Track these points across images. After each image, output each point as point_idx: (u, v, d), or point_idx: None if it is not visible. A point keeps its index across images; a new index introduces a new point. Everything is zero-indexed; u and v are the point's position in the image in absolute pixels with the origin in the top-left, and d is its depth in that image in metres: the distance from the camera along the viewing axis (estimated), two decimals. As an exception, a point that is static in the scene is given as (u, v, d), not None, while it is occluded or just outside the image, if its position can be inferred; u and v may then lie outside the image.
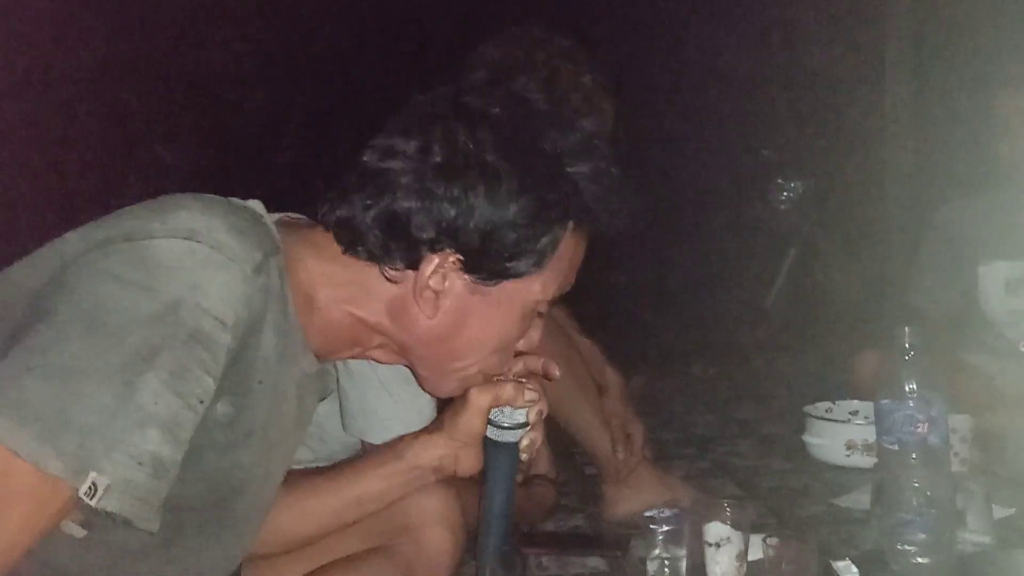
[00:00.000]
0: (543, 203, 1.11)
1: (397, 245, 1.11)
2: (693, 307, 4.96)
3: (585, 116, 1.17)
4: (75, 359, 0.92)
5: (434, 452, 1.28)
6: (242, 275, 1.00)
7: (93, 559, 1.02)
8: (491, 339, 1.17)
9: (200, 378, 0.97)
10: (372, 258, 1.13)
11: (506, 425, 1.23)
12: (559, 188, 1.12)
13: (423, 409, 1.41)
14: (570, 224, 1.15)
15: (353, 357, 1.25)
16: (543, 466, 2.14)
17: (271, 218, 1.13)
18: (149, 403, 0.93)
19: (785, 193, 4.73)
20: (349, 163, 1.14)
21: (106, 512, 0.92)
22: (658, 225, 5.20)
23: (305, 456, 1.43)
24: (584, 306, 2.35)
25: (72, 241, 1.03)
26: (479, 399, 1.22)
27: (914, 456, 1.58)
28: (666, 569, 1.55)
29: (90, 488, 0.90)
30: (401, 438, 1.32)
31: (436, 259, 1.11)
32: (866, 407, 2.51)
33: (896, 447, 1.60)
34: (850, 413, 2.63)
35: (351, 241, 1.13)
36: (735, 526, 1.60)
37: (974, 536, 1.68)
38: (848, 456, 2.45)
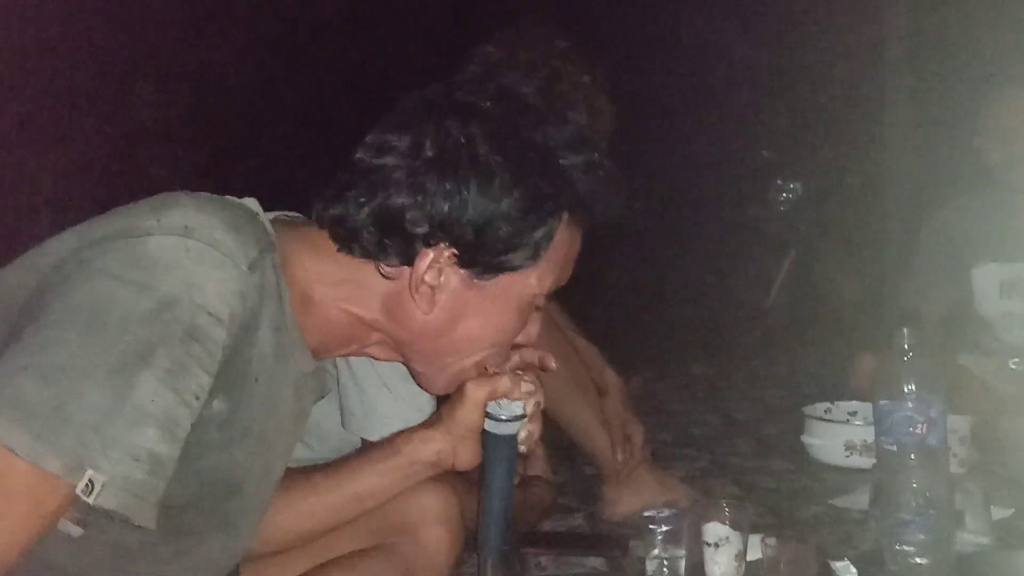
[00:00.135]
0: (536, 195, 1.11)
1: (392, 241, 1.11)
2: (692, 307, 4.97)
3: (579, 111, 1.17)
4: (72, 357, 0.92)
5: (432, 446, 1.28)
6: (237, 272, 1.00)
7: (90, 558, 1.02)
8: (488, 333, 1.17)
9: (196, 375, 0.97)
10: (367, 255, 1.13)
11: (503, 417, 1.23)
12: (552, 180, 1.12)
13: (423, 407, 1.41)
14: (564, 216, 1.15)
15: (350, 354, 1.25)
16: (539, 467, 2.15)
17: (267, 216, 1.14)
18: (146, 401, 0.93)
19: (784, 194, 4.73)
20: (343, 161, 1.14)
21: (103, 509, 0.92)
22: (657, 225, 5.22)
23: (304, 455, 1.43)
24: (583, 306, 2.35)
25: (68, 240, 1.04)
26: (476, 392, 1.22)
27: (913, 457, 1.59)
28: (665, 569, 1.55)
29: (87, 485, 0.90)
30: (398, 433, 1.31)
31: (431, 254, 1.11)
32: (865, 408, 2.51)
33: (895, 448, 1.60)
34: (849, 414, 2.63)
35: (346, 238, 1.13)
36: (734, 526, 1.60)
37: (973, 537, 1.68)
38: (847, 457, 2.45)
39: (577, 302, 2.24)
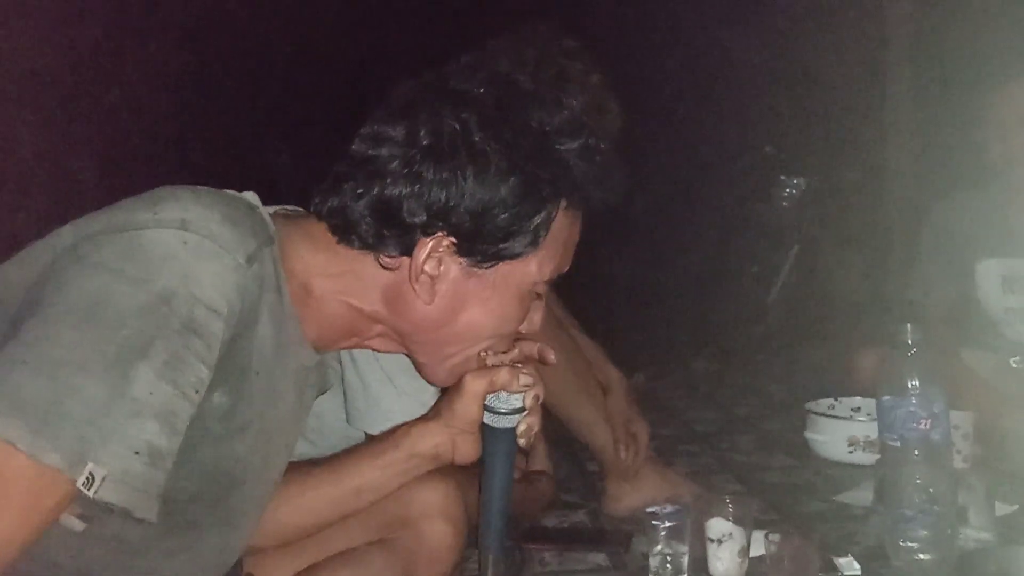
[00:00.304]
0: (533, 181, 1.11)
1: (390, 232, 1.11)
2: (695, 303, 4.96)
3: (575, 97, 1.16)
4: (69, 351, 0.92)
5: (431, 440, 1.27)
6: (235, 264, 1.00)
7: (92, 553, 1.02)
8: (490, 322, 1.17)
9: (195, 367, 0.97)
10: (366, 246, 1.13)
11: (502, 411, 1.22)
12: (548, 166, 1.12)
13: (427, 401, 1.41)
14: (562, 202, 1.15)
15: (351, 347, 1.25)
16: (540, 461, 2.15)
17: (266, 210, 1.13)
18: (144, 393, 0.93)
19: (787, 190, 4.72)
20: (340, 153, 1.14)
21: (104, 503, 0.92)
22: (660, 221, 5.22)
23: (306, 449, 1.43)
24: (585, 303, 2.35)
25: (66, 234, 1.03)
26: (474, 385, 1.21)
27: (916, 452, 1.59)
28: (668, 565, 1.55)
29: (88, 479, 0.90)
30: (397, 427, 1.31)
31: (430, 243, 1.11)
32: (868, 404, 2.51)
33: (898, 443, 1.60)
34: (852, 410, 2.63)
35: (344, 230, 1.12)
36: (737, 522, 1.60)
37: (976, 532, 1.68)
38: (850, 452, 2.45)
39: (579, 298, 2.24)
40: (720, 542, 1.60)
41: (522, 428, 1.24)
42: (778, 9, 4.86)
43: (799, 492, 2.33)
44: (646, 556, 1.59)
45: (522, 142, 1.11)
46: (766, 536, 1.53)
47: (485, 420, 1.24)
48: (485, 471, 1.26)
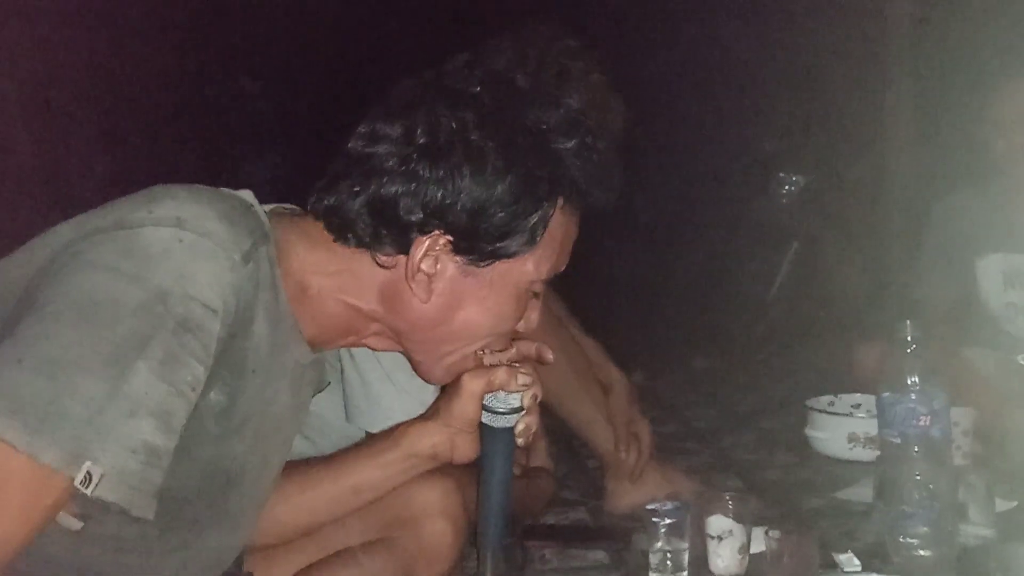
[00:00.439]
0: (530, 180, 1.11)
1: (387, 230, 1.11)
2: (694, 301, 4.96)
3: (573, 96, 1.16)
4: (65, 350, 0.92)
5: (429, 439, 1.27)
6: (230, 263, 1.00)
7: (91, 552, 1.02)
8: (487, 321, 1.17)
9: (190, 366, 0.97)
10: (363, 244, 1.13)
11: (501, 410, 1.22)
12: (545, 164, 1.12)
13: (427, 400, 1.41)
14: (560, 201, 1.14)
15: (348, 345, 1.25)
16: (540, 458, 2.14)
17: (263, 208, 1.13)
18: (140, 392, 0.93)
19: (787, 187, 4.72)
20: (336, 151, 1.14)
21: (101, 501, 0.92)
22: (659, 218, 5.21)
23: (305, 448, 1.43)
24: (585, 300, 2.35)
25: (62, 232, 1.04)
26: (472, 385, 1.21)
27: (916, 449, 1.58)
28: (668, 562, 1.55)
29: (85, 477, 0.91)
30: (396, 426, 1.31)
31: (426, 242, 1.11)
32: (869, 400, 2.51)
33: (898, 440, 1.60)
34: (852, 406, 2.63)
35: (341, 228, 1.12)
36: (737, 519, 1.60)
37: (976, 529, 1.68)
38: (850, 449, 2.45)
39: (579, 296, 2.24)
40: (720, 539, 1.61)
41: (520, 427, 1.24)
42: (778, 6, 4.85)
43: (799, 489, 2.33)
44: (646, 553, 1.59)
45: (519, 141, 1.11)
46: (766, 533, 1.53)
47: (483, 419, 1.24)
48: (484, 470, 1.26)
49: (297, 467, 1.30)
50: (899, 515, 1.59)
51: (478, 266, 1.13)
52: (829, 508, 2.16)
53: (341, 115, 1.23)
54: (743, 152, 5.11)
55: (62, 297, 0.96)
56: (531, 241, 1.13)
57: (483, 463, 1.26)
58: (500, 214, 1.10)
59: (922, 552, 1.57)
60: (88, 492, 0.91)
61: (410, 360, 1.23)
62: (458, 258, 1.12)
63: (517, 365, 1.23)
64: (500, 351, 1.23)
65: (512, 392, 1.22)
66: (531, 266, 1.15)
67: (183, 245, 0.98)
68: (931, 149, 4.14)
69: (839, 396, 2.68)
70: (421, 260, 1.11)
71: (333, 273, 1.14)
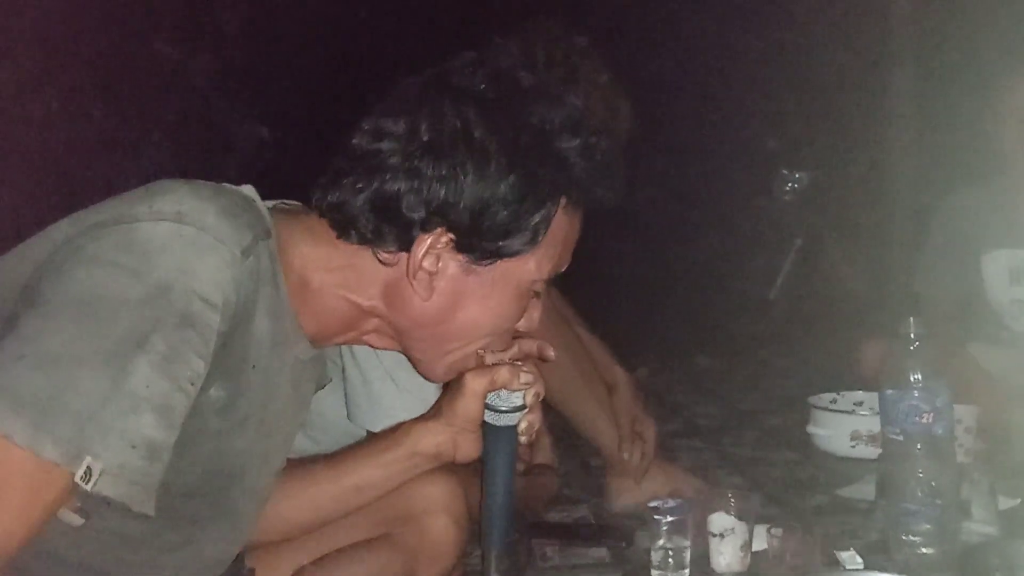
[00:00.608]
0: (533, 179, 1.10)
1: (389, 227, 1.11)
2: (697, 298, 4.96)
3: (578, 95, 1.16)
4: (66, 345, 0.93)
5: (432, 439, 1.27)
6: (231, 257, 1.00)
7: (92, 548, 1.03)
8: (488, 319, 1.17)
9: (191, 361, 0.97)
10: (365, 241, 1.12)
11: (503, 408, 1.22)
12: (549, 164, 1.11)
13: (429, 399, 1.41)
14: (562, 200, 1.14)
15: (348, 342, 1.24)
16: (544, 455, 2.15)
17: (265, 204, 1.13)
18: (141, 387, 0.93)
19: (790, 184, 4.71)
20: (340, 147, 1.14)
21: (102, 497, 0.93)
22: (662, 216, 5.21)
23: (307, 446, 1.43)
24: (587, 298, 2.35)
25: (63, 227, 1.03)
26: (475, 383, 1.21)
27: (919, 447, 1.58)
28: (670, 559, 1.55)
29: (85, 473, 0.91)
30: (399, 425, 1.31)
31: (428, 240, 1.11)
32: (871, 398, 2.51)
33: (901, 438, 1.59)
34: (855, 404, 2.62)
35: (344, 225, 1.12)
36: (739, 517, 1.60)
37: (979, 527, 1.68)
38: (853, 447, 2.45)
39: (582, 294, 2.24)
40: (722, 537, 1.60)
41: (523, 426, 1.24)
42: (780, 4, 4.85)
43: (801, 487, 2.33)
44: (648, 551, 1.59)
45: (523, 139, 1.10)
46: (768, 531, 1.53)
47: (486, 418, 1.24)
48: (487, 469, 1.26)
49: (300, 465, 1.30)
50: (902, 513, 1.58)
51: (480, 265, 1.13)
52: (831, 506, 2.16)
53: (345, 112, 1.23)
54: (746, 150, 5.11)
55: (62, 293, 0.96)
56: (533, 240, 1.13)
57: (486, 461, 1.26)
58: (503, 213, 1.10)
59: (925, 550, 1.57)
60: (89, 488, 0.91)
61: (410, 358, 1.23)
62: (460, 256, 1.12)
63: (519, 363, 1.23)
64: (501, 350, 1.22)
65: (515, 390, 1.22)
66: (533, 265, 1.15)
67: (183, 240, 0.98)
68: (933, 146, 4.13)
69: (841, 393, 2.68)
70: (423, 258, 1.11)
71: (335, 269, 1.14)
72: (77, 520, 0.98)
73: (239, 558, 1.25)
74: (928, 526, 1.56)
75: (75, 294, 0.95)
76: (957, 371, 1.98)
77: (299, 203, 1.20)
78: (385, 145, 1.10)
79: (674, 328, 4.65)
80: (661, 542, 1.56)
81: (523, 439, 1.25)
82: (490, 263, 1.13)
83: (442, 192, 1.08)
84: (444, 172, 1.08)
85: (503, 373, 1.20)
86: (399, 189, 1.09)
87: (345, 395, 1.51)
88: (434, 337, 1.17)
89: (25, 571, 0.95)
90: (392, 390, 1.46)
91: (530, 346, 1.26)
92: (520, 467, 1.92)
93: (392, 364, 1.46)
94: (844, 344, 2.83)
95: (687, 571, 1.56)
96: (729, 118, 5.16)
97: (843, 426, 2.48)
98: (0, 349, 0.94)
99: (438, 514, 1.38)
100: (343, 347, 1.46)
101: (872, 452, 2.34)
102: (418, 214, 1.09)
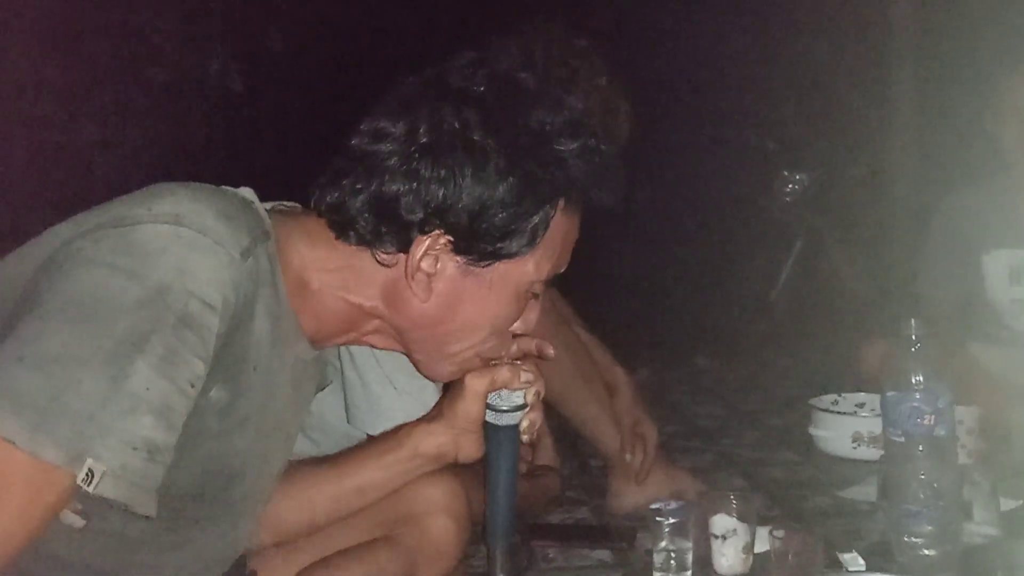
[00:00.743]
0: (532, 181, 1.10)
1: (388, 228, 1.11)
2: (698, 299, 4.96)
3: (577, 97, 1.16)
4: (65, 347, 0.93)
5: (434, 440, 1.27)
6: (229, 259, 1.00)
7: (93, 549, 1.03)
8: (486, 321, 1.17)
9: (190, 362, 0.97)
10: (363, 242, 1.12)
11: (504, 408, 1.22)
12: (547, 166, 1.11)
13: (428, 401, 1.41)
14: (561, 202, 1.14)
15: (348, 343, 1.24)
16: (546, 456, 2.14)
17: (263, 205, 1.13)
18: (141, 389, 0.93)
19: (790, 185, 4.71)
20: (339, 148, 1.14)
21: (103, 499, 0.93)
22: (662, 217, 5.21)
23: (308, 448, 1.43)
24: (588, 298, 2.35)
25: (62, 230, 1.04)
26: (475, 384, 1.21)
27: (921, 448, 1.58)
28: (672, 561, 1.55)
29: (87, 475, 0.91)
30: (400, 427, 1.31)
31: (427, 241, 1.11)
32: (873, 399, 2.51)
33: (902, 439, 1.59)
34: (856, 405, 2.62)
35: (342, 226, 1.12)
36: (741, 518, 1.60)
37: (981, 528, 1.68)
38: (854, 448, 2.45)
39: (582, 295, 2.23)
40: (724, 538, 1.60)
41: (525, 424, 1.24)
42: (781, 3, 4.85)
43: (803, 488, 2.33)
44: (650, 552, 1.59)
45: (521, 141, 1.10)
46: (770, 532, 1.52)
47: (487, 418, 1.24)
48: (490, 469, 1.26)
49: (301, 467, 1.30)
50: (903, 514, 1.58)
51: (478, 266, 1.13)
52: (833, 507, 2.16)
53: (344, 113, 1.23)
54: (746, 150, 5.11)
55: (62, 295, 0.96)
56: (532, 242, 1.13)
57: (489, 461, 1.26)
58: (501, 214, 1.10)
59: (927, 551, 1.57)
60: (90, 489, 0.91)
61: (411, 359, 1.23)
62: (458, 258, 1.12)
63: (519, 362, 1.23)
64: (501, 350, 1.22)
65: (515, 389, 1.22)
66: (531, 267, 1.15)
67: (181, 241, 0.98)
68: (933, 146, 4.13)
69: (843, 395, 2.68)
70: (421, 259, 1.11)
71: (334, 270, 1.14)
72: (78, 521, 0.98)
73: (241, 560, 1.24)
74: (930, 527, 1.56)
75: (74, 296, 0.95)
76: (958, 372, 1.98)
77: (298, 204, 1.20)
78: (384, 146, 1.10)
79: (674, 329, 4.64)
80: (663, 544, 1.56)
81: (525, 438, 1.25)
82: (488, 264, 1.13)
83: (440, 193, 1.09)
84: (442, 173, 1.08)
85: (503, 373, 1.21)
86: (398, 190, 1.09)
87: (344, 398, 1.51)
88: (433, 338, 1.17)
89: (25, 573, 0.95)
90: (391, 393, 1.46)
91: (529, 344, 1.26)
92: (522, 468, 1.92)
93: (391, 367, 1.45)
94: (845, 345, 2.83)
95: (689, 573, 1.56)
96: (729, 119, 5.16)
97: (844, 427, 2.48)
98: (0, 351, 0.93)
99: (439, 515, 1.38)
100: (341, 350, 1.46)
101: (874, 453, 2.34)
102: (416, 215, 1.09)
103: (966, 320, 2.60)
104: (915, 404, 1.58)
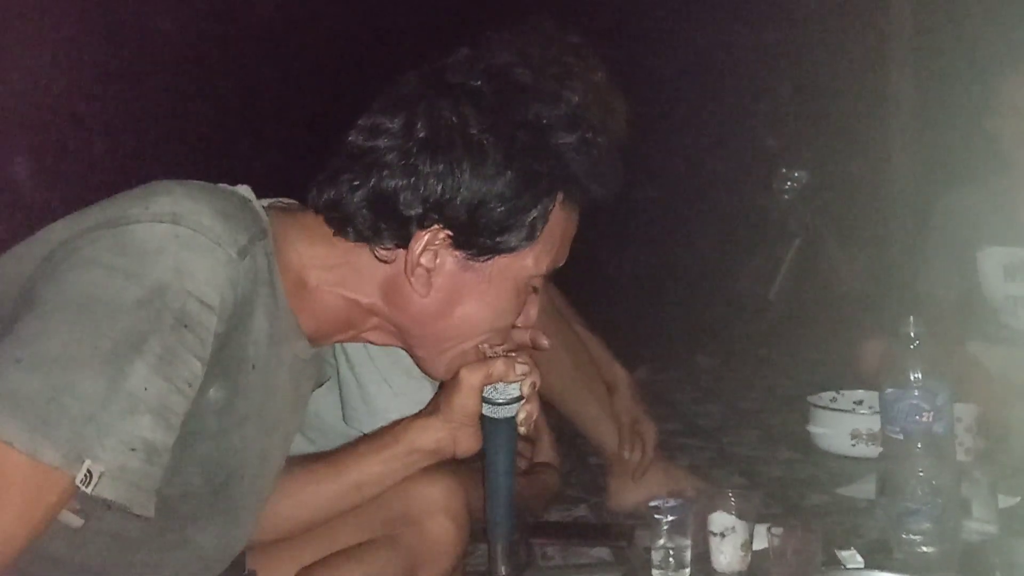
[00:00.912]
0: (530, 175, 1.10)
1: (386, 224, 1.11)
2: (697, 297, 4.96)
3: (574, 91, 1.16)
4: (63, 348, 0.92)
5: (431, 435, 1.27)
6: (226, 258, 1.00)
7: (91, 549, 1.02)
8: (486, 316, 1.17)
9: (188, 362, 0.97)
10: (362, 238, 1.12)
11: (500, 401, 1.22)
12: (546, 159, 1.11)
13: (423, 401, 1.41)
14: (559, 196, 1.14)
15: (348, 340, 1.24)
16: (546, 454, 2.14)
17: (261, 203, 1.13)
18: (139, 389, 0.93)
19: (789, 183, 4.72)
20: (337, 145, 1.14)
21: (102, 499, 0.92)
22: (661, 215, 5.21)
23: (306, 448, 1.43)
24: (587, 297, 2.35)
25: (59, 230, 1.03)
26: (471, 378, 1.21)
27: (919, 445, 1.58)
28: (671, 559, 1.55)
29: (86, 476, 0.90)
30: (398, 422, 1.31)
31: (426, 236, 1.11)
32: (871, 396, 2.51)
33: (901, 436, 1.60)
34: (855, 403, 2.63)
35: (341, 222, 1.12)
36: (740, 516, 1.60)
37: (979, 525, 1.68)
38: (853, 446, 2.45)
39: (581, 292, 2.24)
40: (723, 536, 1.60)
41: (522, 416, 1.23)
42: (780, 3, 4.85)
43: (802, 486, 2.33)
44: (649, 550, 1.59)
45: (519, 135, 1.10)
46: (769, 530, 1.53)
47: (484, 412, 1.23)
48: (488, 462, 1.26)
49: (299, 463, 1.30)
50: (902, 511, 1.58)
51: (477, 261, 1.13)
52: (832, 504, 2.16)
53: (342, 110, 1.23)
54: (745, 148, 5.11)
55: (59, 295, 0.96)
56: (531, 236, 1.13)
57: (487, 455, 1.26)
58: (499, 209, 1.10)
59: (925, 548, 1.57)
60: (88, 490, 0.91)
61: (411, 355, 1.23)
62: (457, 253, 1.12)
63: (514, 354, 1.23)
64: (500, 345, 1.22)
65: (511, 382, 1.22)
66: (531, 261, 1.15)
67: (179, 241, 0.98)
68: (932, 145, 4.13)
69: (841, 392, 2.68)
70: (420, 254, 1.11)
71: (332, 267, 1.14)
72: (76, 521, 0.98)
73: (240, 559, 1.24)
74: (928, 525, 1.56)
75: (71, 296, 0.95)
76: (957, 369, 1.99)
77: (295, 201, 1.20)
78: (382, 142, 1.10)
79: (674, 328, 4.64)
80: (662, 541, 1.56)
81: (522, 430, 1.24)
82: (488, 259, 1.13)
83: (439, 189, 1.09)
84: (441, 169, 1.08)
85: (499, 366, 1.20)
86: (396, 186, 1.09)
87: (340, 398, 1.51)
88: (433, 333, 1.17)
89: (24, 573, 0.94)
90: (387, 393, 1.46)
91: (523, 336, 1.25)
92: (522, 465, 1.92)
93: (386, 367, 1.45)
94: (844, 343, 2.83)
95: (688, 570, 1.56)
96: (729, 117, 5.16)
97: (843, 425, 2.48)
98: None
99: (438, 515, 1.37)
100: (337, 350, 1.46)
101: (872, 451, 2.34)
102: (415, 211, 1.09)
103: (965, 318, 2.61)
104: (914, 401, 1.58)
